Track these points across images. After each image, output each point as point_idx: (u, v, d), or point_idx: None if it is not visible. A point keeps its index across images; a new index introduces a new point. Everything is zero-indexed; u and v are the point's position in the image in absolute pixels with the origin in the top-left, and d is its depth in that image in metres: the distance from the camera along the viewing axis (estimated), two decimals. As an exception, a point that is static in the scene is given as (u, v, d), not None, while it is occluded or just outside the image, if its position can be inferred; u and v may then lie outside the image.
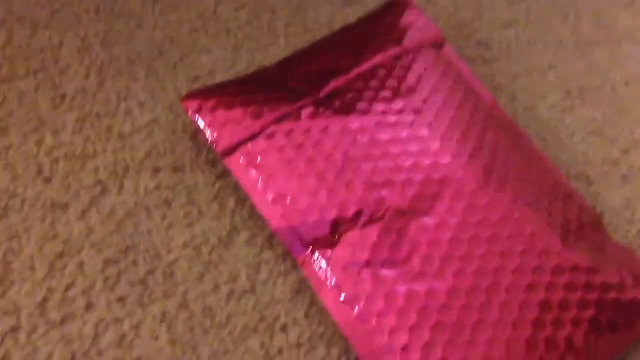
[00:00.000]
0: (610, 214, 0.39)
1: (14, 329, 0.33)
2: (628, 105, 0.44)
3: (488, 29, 0.47)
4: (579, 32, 0.48)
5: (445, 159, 0.36)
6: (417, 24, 0.42)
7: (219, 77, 0.42)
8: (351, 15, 0.47)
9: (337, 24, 0.46)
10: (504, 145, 0.38)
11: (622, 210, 0.40)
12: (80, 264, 0.35)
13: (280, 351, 0.33)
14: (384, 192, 0.35)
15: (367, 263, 0.34)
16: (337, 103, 0.38)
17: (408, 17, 0.43)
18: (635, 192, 0.40)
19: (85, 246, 0.35)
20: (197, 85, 0.42)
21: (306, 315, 0.35)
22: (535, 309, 0.32)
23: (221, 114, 0.38)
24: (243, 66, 0.43)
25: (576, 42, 0.47)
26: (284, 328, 0.34)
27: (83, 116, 0.40)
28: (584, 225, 0.36)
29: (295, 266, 0.36)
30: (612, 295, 0.33)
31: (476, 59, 0.45)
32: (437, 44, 0.42)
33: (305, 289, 0.35)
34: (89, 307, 0.34)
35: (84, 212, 0.36)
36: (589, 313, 0.33)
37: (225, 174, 0.39)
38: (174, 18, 0.44)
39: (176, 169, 0.38)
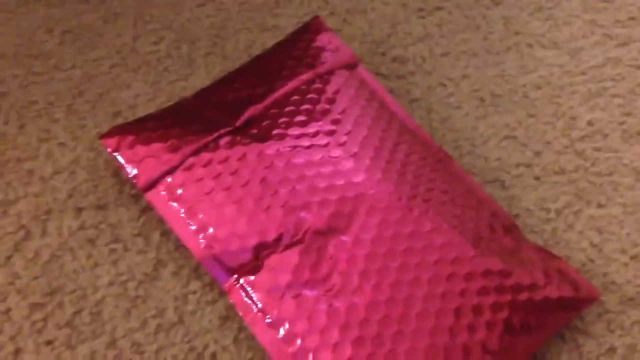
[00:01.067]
0: (526, 215, 0.41)
1: (-60, 383, 0.33)
2: (540, 109, 0.46)
3: (402, 44, 0.48)
4: (491, 40, 0.49)
5: (358, 177, 0.37)
6: (330, 46, 0.44)
7: (140, 111, 0.43)
8: (269, 40, 0.48)
9: (256, 50, 0.47)
10: (416, 159, 0.39)
11: (537, 210, 0.41)
12: (7, 311, 0.35)
13: (210, 379, 0.34)
14: (302, 214, 0.36)
15: (290, 285, 0.34)
16: (254, 131, 0.39)
17: (321, 41, 0.44)
18: (548, 192, 0.42)
19: (10, 292, 0.35)
20: (118, 121, 0.43)
21: (235, 341, 0.35)
22: (451, 316, 0.34)
23: (140, 149, 0.38)
24: (164, 99, 0.44)
25: (488, 50, 0.49)
26: (213, 356, 0.35)
27: (4, 162, 0.40)
28: (496, 230, 0.38)
29: (222, 294, 0.37)
30: (524, 295, 0.35)
31: (391, 75, 0.47)
32: (351, 66, 0.43)
33: (233, 315, 0.36)
34: (17, 353, 0.34)
35: (8, 258, 0.37)
36: (502, 315, 0.34)
37: (149, 208, 0.39)
38: (93, 56, 0.45)
39: (99, 207, 0.39)
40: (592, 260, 0.40)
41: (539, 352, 0.36)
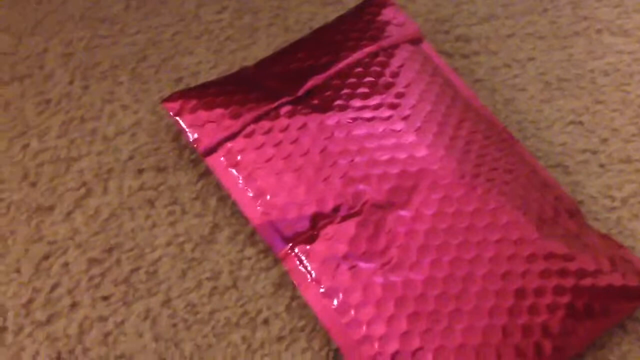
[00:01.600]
0: (589, 202, 0.40)
1: (1, 330, 0.33)
2: (607, 95, 0.44)
3: (467, 24, 0.47)
4: (558, 24, 0.48)
5: (421, 152, 0.36)
6: (395, 21, 0.43)
7: (202, 78, 0.43)
8: (332, 14, 0.47)
9: (318, 24, 0.47)
10: (480, 137, 0.38)
11: (601, 198, 0.40)
12: (66, 265, 0.36)
13: (262, 345, 0.34)
14: (361, 187, 0.35)
15: (346, 256, 0.34)
16: (315, 101, 0.38)
17: (386, 15, 0.43)
18: (614, 180, 0.41)
19: (70, 247, 0.36)
20: (180, 87, 0.43)
21: (287, 309, 0.35)
22: (511, 296, 0.33)
23: (202, 114, 0.38)
24: (225, 67, 0.44)
25: (555, 34, 0.47)
26: (265, 322, 0.35)
27: (68, 120, 0.40)
28: (561, 214, 0.37)
29: (276, 262, 0.37)
30: (588, 281, 0.34)
31: (455, 54, 0.46)
32: (415, 41, 0.43)
33: (286, 283, 0.36)
34: (74, 306, 0.34)
35: (68, 214, 0.37)
36: (565, 299, 0.33)
37: (207, 173, 0.39)
38: (157, 22, 0.45)
39: (159, 169, 0.39)
40: (657, 252, 0.38)
41: (598, 340, 0.35)
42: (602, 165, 0.41)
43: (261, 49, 0.45)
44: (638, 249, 0.38)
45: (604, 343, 0.35)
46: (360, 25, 0.42)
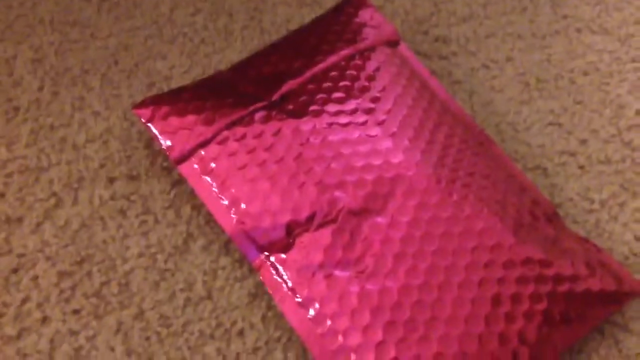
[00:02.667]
0: (568, 205, 0.40)
1: (-32, 346, 0.33)
2: (586, 96, 0.44)
3: (446, 24, 0.47)
4: (538, 23, 0.48)
5: (397, 158, 0.36)
6: (372, 22, 0.42)
7: (175, 83, 0.42)
8: (308, 15, 0.46)
9: (294, 25, 0.46)
10: (457, 141, 0.38)
11: (580, 200, 0.40)
12: (35, 278, 0.35)
13: (237, 357, 0.33)
14: (337, 193, 0.35)
15: (321, 265, 0.34)
16: (290, 106, 0.38)
17: (363, 16, 0.43)
18: (593, 182, 0.40)
19: (40, 259, 0.35)
20: (153, 92, 0.42)
21: (263, 319, 0.35)
22: (488, 304, 0.32)
23: (174, 121, 0.37)
24: (199, 71, 0.43)
25: (534, 34, 0.47)
26: (241, 333, 0.34)
27: (37, 128, 0.40)
28: (538, 218, 0.36)
29: (251, 271, 0.36)
30: (565, 286, 0.33)
31: (433, 55, 0.45)
32: (393, 43, 0.42)
33: (261, 293, 0.35)
34: (44, 320, 0.34)
35: (38, 225, 0.36)
36: (541, 306, 0.33)
37: (181, 181, 0.39)
38: (129, 25, 0.44)
39: (131, 177, 0.38)
40: (635, 254, 0.38)
41: (577, 345, 0.35)
42: (581, 167, 0.41)
43: (236, 52, 0.44)
44: (617, 252, 0.38)
45: (582, 348, 0.35)
46: (336, 28, 0.42)
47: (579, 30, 0.48)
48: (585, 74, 0.45)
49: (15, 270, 0.35)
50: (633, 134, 0.42)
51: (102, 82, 0.42)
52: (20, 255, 0.35)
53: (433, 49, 0.46)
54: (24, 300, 0.34)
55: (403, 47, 0.42)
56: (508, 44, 0.46)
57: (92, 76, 0.42)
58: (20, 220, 0.36)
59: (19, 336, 0.33)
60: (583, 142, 0.42)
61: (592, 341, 0.35)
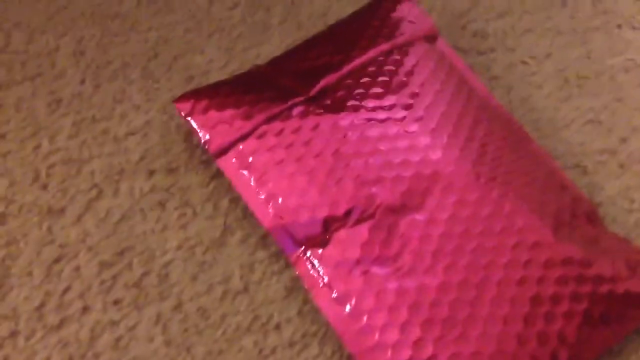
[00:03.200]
0: (608, 204, 0.39)
1: (13, 334, 0.33)
2: (627, 93, 0.43)
3: (484, 19, 0.46)
4: (577, 18, 0.47)
5: (435, 155, 0.36)
6: (410, 17, 0.42)
7: (213, 77, 0.43)
8: (346, 8, 0.46)
9: (332, 20, 0.46)
10: (496, 138, 0.37)
11: (620, 200, 0.39)
12: (77, 268, 0.35)
13: (274, 350, 0.34)
14: (374, 189, 0.35)
15: (358, 261, 0.34)
16: (328, 101, 0.38)
17: (401, 11, 0.42)
18: (633, 180, 0.40)
19: (81, 250, 0.36)
20: (191, 86, 0.42)
21: (299, 313, 0.35)
22: (527, 303, 0.32)
23: (213, 115, 0.38)
24: (237, 65, 0.43)
25: (574, 29, 0.46)
26: (277, 327, 0.34)
27: (79, 120, 0.40)
28: (578, 217, 0.36)
29: (288, 265, 0.36)
30: (605, 287, 0.33)
31: (471, 51, 0.45)
32: (431, 38, 0.42)
33: (298, 287, 0.36)
34: (85, 310, 0.34)
35: (80, 216, 0.37)
36: (581, 306, 0.32)
37: (219, 174, 0.39)
38: (168, 19, 0.45)
39: (170, 170, 0.39)
40: (677, 256, 0.37)
41: (616, 346, 0.35)
42: (621, 166, 0.40)
43: (273, 47, 0.44)
44: (658, 253, 0.37)
45: (621, 350, 0.34)
46: (374, 22, 0.41)
47: (619, 27, 0.47)
48: (626, 70, 0.45)
49: (57, 260, 0.36)
50: (676, 132, 0.42)
51: (142, 75, 0.42)
52: (63, 246, 0.36)
53: (471, 44, 0.45)
54: (66, 290, 0.35)
55: (441, 42, 0.42)
56: (547, 40, 0.46)
57: (133, 69, 0.42)
58: (62, 211, 0.37)
59: (60, 325, 0.34)
60: (623, 140, 0.41)
61: (631, 343, 0.35)
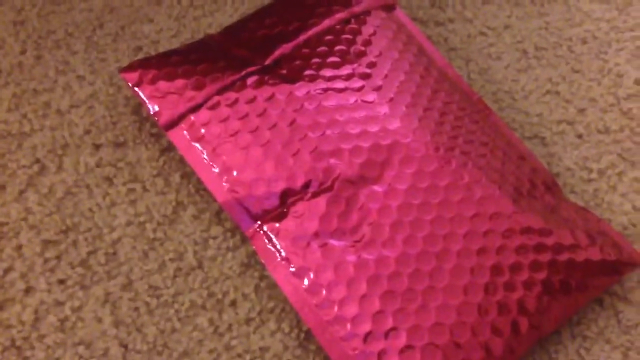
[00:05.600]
0: (566, 174, 0.39)
1: (-51, 317, 0.31)
2: (585, 65, 0.43)
3: (442, -11, 0.46)
4: (535, -10, 0.46)
5: (394, 125, 0.35)
6: (366, -15, 0.41)
7: (163, 47, 0.41)
8: (300, -21, 0.45)
9: (286, -11, 0.44)
10: (455, 108, 0.37)
11: (579, 170, 0.39)
12: (19, 247, 0.33)
13: (229, 327, 0.33)
14: (332, 161, 0.34)
15: (316, 234, 0.33)
16: (283, 71, 0.36)
17: (357, -21, 0.41)
18: (591, 151, 0.40)
19: (23, 228, 0.34)
20: (140, 56, 0.40)
21: (256, 290, 0.34)
22: (487, 273, 0.32)
23: (162, 85, 0.36)
24: (188, 35, 0.42)
25: (533, 1, 0.46)
26: (233, 304, 0.33)
27: (19, 92, 0.38)
28: (537, 187, 0.35)
29: (244, 241, 0.35)
30: (565, 256, 0.33)
31: (429, 21, 0.44)
32: (388, 7, 0.41)
33: (254, 263, 0.34)
34: (28, 291, 0.32)
35: (21, 192, 0.35)
36: (541, 275, 0.32)
37: (170, 148, 0.37)
38: (114, -13, 0.43)
39: (118, 144, 0.37)
40: (634, 225, 0.37)
41: (575, 316, 0.34)
42: (579, 136, 0.40)
43: (226, 16, 0.43)
44: (615, 222, 0.37)
45: (580, 319, 0.34)
46: (330, -9, 0.40)
47: (577, -2, 0.46)
48: (584, 42, 0.44)
49: (-3, 239, 0.34)
50: (631, 103, 0.42)
51: (87, 45, 0.40)
52: (3, 224, 0.34)
53: (429, 14, 0.44)
54: (7, 270, 0.33)
55: (399, 12, 0.41)
56: (505, 11, 0.45)
57: (77, 39, 0.40)
58: (2, 187, 0.35)
59: (2, 307, 0.32)
60: (581, 111, 0.41)
61: (591, 312, 0.35)
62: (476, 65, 0.43)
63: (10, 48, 0.39)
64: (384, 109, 0.35)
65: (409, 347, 0.31)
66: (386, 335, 0.31)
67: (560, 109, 0.41)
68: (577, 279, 0.33)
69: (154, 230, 0.34)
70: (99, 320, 0.32)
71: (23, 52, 0.39)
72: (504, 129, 0.38)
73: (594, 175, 0.39)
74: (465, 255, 0.32)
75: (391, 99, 0.35)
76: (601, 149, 0.40)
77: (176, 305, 0.33)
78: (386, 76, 0.36)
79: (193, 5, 0.42)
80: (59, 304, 0.32)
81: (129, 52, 0.40)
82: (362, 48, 0.37)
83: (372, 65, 0.37)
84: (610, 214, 0.38)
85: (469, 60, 0.43)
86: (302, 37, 0.38)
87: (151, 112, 0.35)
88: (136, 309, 0.32)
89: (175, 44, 0.41)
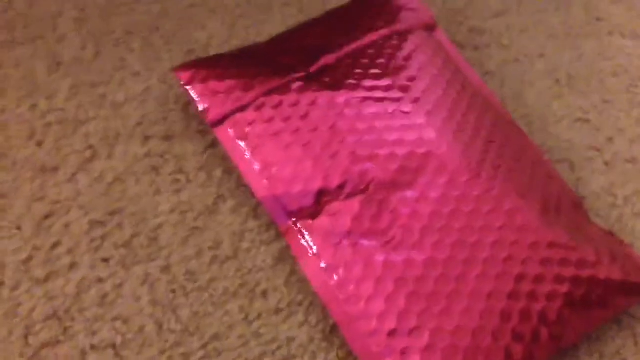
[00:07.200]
0: (592, 198, 0.40)
1: (-1, 283, 0.33)
2: (615, 96, 0.45)
3: (480, 17, 0.48)
4: (570, 23, 0.48)
5: (429, 135, 0.36)
6: (410, 5, 0.43)
7: (213, 52, 0.43)
8: (346, -2, 0.47)
9: (332, 6, 0.47)
10: (488, 125, 0.38)
11: (604, 195, 0.40)
12: (67, 225, 0.35)
13: (259, 316, 0.34)
14: (368, 165, 0.35)
15: (348, 233, 0.34)
16: (326, 78, 0.38)
17: (402, 0, 0.43)
18: (618, 178, 0.41)
19: (72, 208, 0.36)
20: (191, 59, 0.43)
21: (286, 282, 0.35)
22: (511, 281, 0.33)
23: (213, 85, 0.38)
24: (238, 42, 0.44)
25: (567, 33, 0.48)
26: (264, 294, 0.35)
27: (77, 84, 0.40)
28: (564, 205, 0.37)
29: (278, 237, 0.37)
30: (587, 272, 0.34)
31: (467, 45, 0.46)
32: (429, 27, 0.43)
33: (287, 258, 0.36)
34: (73, 266, 0.34)
35: (73, 175, 0.37)
36: (564, 288, 0.33)
37: (215, 144, 0.39)
38: (172, -6, 0.45)
39: (166, 137, 0.39)
40: (657, 252, 0.38)
41: (595, 332, 0.35)
42: (606, 163, 0.42)
43: (275, 27, 0.45)
44: (638, 246, 0.38)
45: (599, 336, 0.35)
46: (375, 9, 0.42)
47: (610, 34, 0.48)
48: (615, 75, 0.46)
49: (47, 217, 0.36)
50: (660, 136, 0.43)
51: (143, 45, 0.42)
52: (54, 202, 0.36)
53: (467, 39, 0.46)
54: (55, 245, 0.35)
55: (439, 33, 0.43)
56: (540, 41, 0.47)
57: (134, 39, 0.43)
58: (55, 169, 0.37)
59: (46, 279, 0.34)
60: (610, 139, 0.43)
61: (610, 330, 0.35)
62: (510, 89, 0.44)
63: (71, 42, 0.42)
64: (421, 120, 0.37)
65: (430, 346, 0.32)
66: (410, 333, 0.32)
67: (590, 136, 0.43)
68: (598, 296, 0.34)
69: (195, 219, 0.36)
70: (138, 298, 0.34)
71: (83, 48, 0.42)
72: (535, 149, 0.40)
73: (619, 202, 0.40)
74: (491, 263, 0.33)
75: (428, 111, 0.37)
76: (627, 177, 0.41)
77: (210, 291, 0.34)
78: (424, 90, 0.38)
79: (244, 15, 0.45)
80: (101, 280, 0.34)
81: (181, 54, 0.42)
82: (403, 63, 0.39)
83: (411, 79, 0.38)
84: (634, 239, 0.39)
85: (503, 85, 0.44)
86: (346, 49, 0.40)
87: (200, 110, 0.38)
88: (173, 291, 0.34)
89: (225, 50, 0.43)
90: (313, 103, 0.37)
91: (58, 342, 0.32)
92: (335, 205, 0.35)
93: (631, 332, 0.35)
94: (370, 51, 0.40)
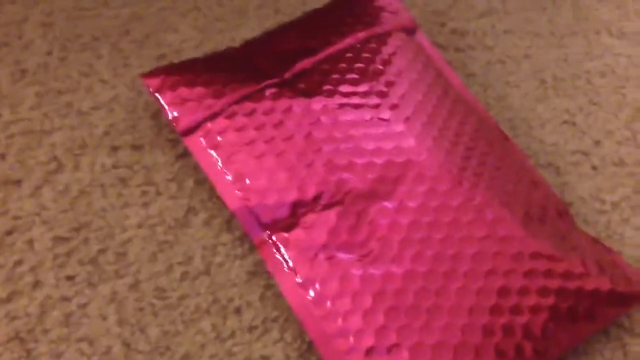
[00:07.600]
0: (579, 204, 0.39)
1: (-43, 305, 0.32)
2: (602, 97, 0.43)
3: (464, 18, 0.46)
4: (557, 23, 0.47)
5: (408, 143, 0.35)
6: (390, 8, 0.42)
7: (186, 57, 0.42)
8: (324, -1, 0.46)
9: (310, 7, 0.45)
10: (470, 131, 0.37)
11: (592, 200, 0.39)
12: (30, 241, 0.34)
13: (232, 334, 0.32)
14: (345, 175, 0.34)
15: (324, 246, 0.33)
16: (302, 84, 0.37)
17: (381, 1, 0.42)
18: (606, 182, 0.39)
19: (35, 223, 0.34)
20: (162, 64, 0.41)
21: (261, 298, 0.34)
22: (494, 295, 0.31)
23: (183, 92, 0.37)
24: (211, 46, 0.42)
25: (553, 33, 0.46)
26: (237, 311, 0.33)
27: (43, 92, 0.39)
28: (549, 213, 0.35)
29: (252, 250, 0.35)
30: (574, 284, 0.33)
31: (449, 47, 0.45)
32: (409, 30, 0.41)
33: (261, 272, 0.35)
34: (36, 285, 0.33)
35: (36, 188, 0.35)
36: (549, 301, 0.32)
37: (186, 154, 0.38)
38: (143, -3, 0.44)
39: (135, 147, 0.37)
40: (646, 259, 0.37)
41: (581, 346, 0.34)
42: (594, 168, 0.40)
43: (250, 31, 0.43)
44: (627, 254, 0.37)
45: (586, 349, 0.34)
46: (354, 10, 0.41)
47: (597, 33, 0.47)
48: (602, 75, 0.45)
49: (9, 233, 0.34)
50: (648, 138, 0.42)
51: (111, 51, 0.41)
52: (16, 218, 0.34)
53: (449, 41, 0.45)
54: (17, 263, 0.33)
55: (420, 35, 0.42)
56: (526, 41, 0.46)
57: (102, 44, 0.41)
58: (19, 182, 0.35)
59: (8, 299, 0.32)
60: (597, 142, 0.41)
61: (597, 343, 0.34)
62: (494, 91, 0.43)
63: (37, 48, 0.40)
64: (399, 127, 0.35)
65: (410, 364, 0.30)
66: (389, 351, 0.31)
67: (576, 139, 0.41)
68: (585, 308, 0.32)
69: (164, 233, 0.35)
70: (104, 318, 0.32)
71: (49, 53, 0.40)
72: (519, 154, 0.38)
73: (607, 207, 0.39)
74: (473, 276, 0.32)
75: (407, 118, 0.36)
76: (615, 182, 0.40)
77: (181, 308, 0.33)
78: (403, 95, 0.37)
79: (218, 19, 0.43)
80: (66, 299, 0.32)
81: (152, 60, 0.41)
82: (381, 67, 0.38)
83: (389, 84, 0.37)
84: (622, 246, 0.37)
85: (487, 87, 0.43)
86: (322, 54, 0.38)
87: (170, 118, 0.36)
88: (141, 309, 0.32)
89: (198, 54, 0.42)
90: (288, 110, 0.36)
91: (19, 366, 0.31)
92: (311, 217, 0.33)
93: (620, 343, 0.34)
94: (348, 55, 0.38)
